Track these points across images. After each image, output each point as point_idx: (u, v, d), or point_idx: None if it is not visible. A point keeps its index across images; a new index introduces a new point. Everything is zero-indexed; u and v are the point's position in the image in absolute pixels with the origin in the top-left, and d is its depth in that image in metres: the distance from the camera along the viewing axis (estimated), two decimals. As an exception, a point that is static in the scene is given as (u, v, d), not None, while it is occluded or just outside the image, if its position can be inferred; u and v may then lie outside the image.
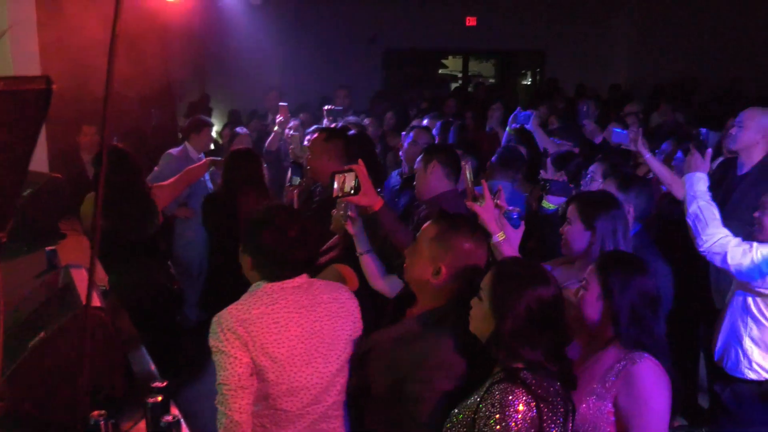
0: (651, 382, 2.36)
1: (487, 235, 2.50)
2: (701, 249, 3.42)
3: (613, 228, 3.03)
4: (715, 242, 3.36)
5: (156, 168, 6.23)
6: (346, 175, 2.84)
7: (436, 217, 2.51)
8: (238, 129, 6.93)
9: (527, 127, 6.03)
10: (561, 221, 3.27)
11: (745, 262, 3.27)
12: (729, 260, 3.32)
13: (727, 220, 3.48)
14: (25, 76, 1.46)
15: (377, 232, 3.24)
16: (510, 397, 2.03)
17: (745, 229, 3.48)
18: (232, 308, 2.42)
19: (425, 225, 2.51)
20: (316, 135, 4.29)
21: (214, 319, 2.40)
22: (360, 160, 2.95)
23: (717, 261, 3.38)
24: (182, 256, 6.42)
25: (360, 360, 2.51)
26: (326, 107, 7.30)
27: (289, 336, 2.42)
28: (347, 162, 3.95)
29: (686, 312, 4.08)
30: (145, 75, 8.78)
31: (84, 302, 2.67)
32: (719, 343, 3.57)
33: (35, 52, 5.28)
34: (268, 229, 2.45)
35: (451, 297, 2.40)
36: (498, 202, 2.98)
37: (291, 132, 6.36)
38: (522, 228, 3.07)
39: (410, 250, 2.53)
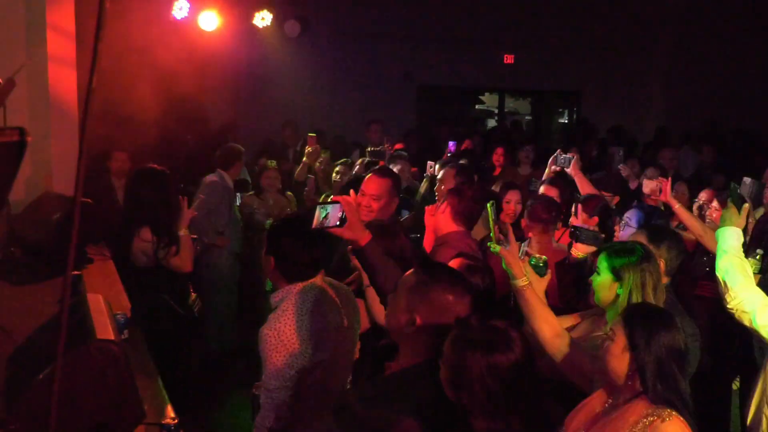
0: None
1: (469, 290, 2.36)
2: (729, 306, 3.27)
3: (642, 281, 2.95)
4: (743, 299, 3.21)
5: (202, 196, 6.30)
6: (330, 207, 2.72)
7: (417, 266, 2.42)
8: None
9: (567, 170, 5.90)
10: (590, 271, 3.20)
11: None
12: (758, 320, 3.17)
13: None
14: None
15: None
16: None
17: None
18: None
19: (407, 273, 2.42)
20: (380, 179, 4.23)
21: None
22: (351, 191, 2.87)
23: (745, 320, 3.23)
24: (212, 284, 6.46)
25: (332, 415, 2.43)
26: (369, 149, 7.36)
27: None
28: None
29: (720, 370, 3.93)
30: (181, 103, 8.92)
31: (98, 334, 2.67)
32: (752, 407, 3.41)
33: (73, 81, 5.35)
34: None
35: (430, 355, 2.28)
36: (527, 249, 2.93)
37: (320, 165, 6.39)
38: (548, 276, 3.01)
39: (391, 297, 2.44)
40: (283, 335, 2.85)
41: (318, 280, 3.00)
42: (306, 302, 2.93)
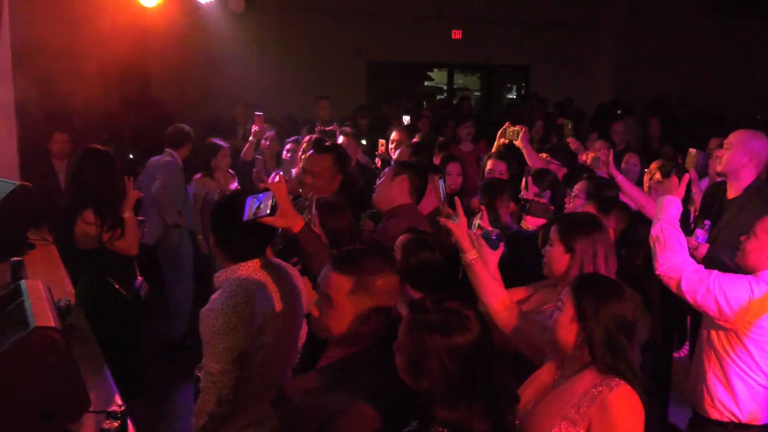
0: (626, 410, 2.32)
1: (396, 270, 2.33)
2: (657, 271, 3.31)
3: (593, 251, 2.96)
4: (670, 266, 3.26)
5: (159, 176, 6.24)
6: (261, 195, 2.66)
7: (340, 266, 2.28)
8: (218, 141, 6.82)
9: (515, 143, 5.92)
10: (543, 243, 3.20)
11: (700, 289, 3.16)
12: (683, 286, 3.20)
13: (715, 244, 3.39)
14: None
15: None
16: None
17: (731, 253, 3.39)
18: None
19: (334, 277, 2.27)
20: (321, 155, 4.19)
21: None
22: (281, 177, 2.81)
23: (672, 286, 3.27)
24: (173, 266, 6.43)
25: (271, 406, 2.38)
26: (318, 127, 7.25)
27: None
28: (343, 179, 3.94)
29: (668, 340, 4.00)
30: (124, 80, 8.69)
31: (37, 321, 2.57)
32: (690, 377, 3.48)
33: (7, 59, 5.14)
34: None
35: (366, 343, 2.24)
36: (479, 222, 2.92)
37: (267, 143, 6.29)
38: (501, 249, 3.01)
39: (322, 302, 2.32)
40: (225, 316, 2.75)
41: (259, 261, 2.90)
42: (248, 284, 2.84)
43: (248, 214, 2.64)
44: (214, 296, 2.83)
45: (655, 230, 3.36)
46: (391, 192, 3.93)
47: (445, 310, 2.09)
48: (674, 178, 3.50)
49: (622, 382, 2.34)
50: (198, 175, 6.59)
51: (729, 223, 3.92)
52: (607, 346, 2.36)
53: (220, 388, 2.76)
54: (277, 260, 3.09)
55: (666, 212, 3.38)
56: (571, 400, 2.38)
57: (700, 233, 4.06)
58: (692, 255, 3.43)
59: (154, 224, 6.24)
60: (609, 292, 2.45)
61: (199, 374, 2.91)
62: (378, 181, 4.13)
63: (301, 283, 3.08)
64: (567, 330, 2.44)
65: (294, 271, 3.09)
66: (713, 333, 3.31)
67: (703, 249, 3.93)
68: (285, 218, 2.66)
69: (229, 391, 2.77)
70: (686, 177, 3.52)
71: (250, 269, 2.87)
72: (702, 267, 3.25)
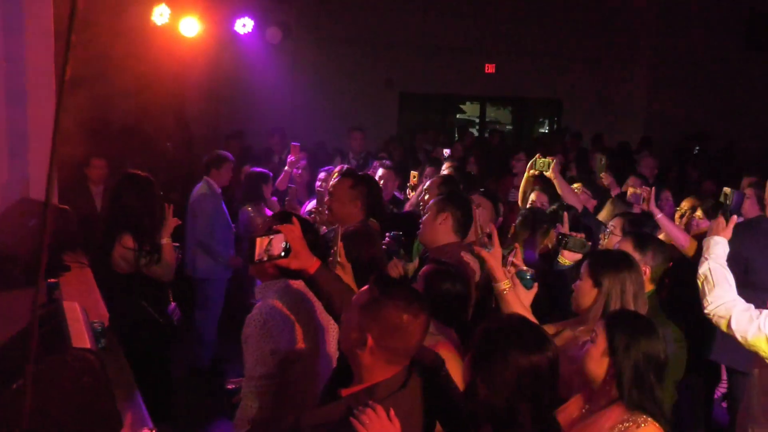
0: None
1: (425, 309, 2.23)
2: (706, 311, 3.31)
3: (621, 287, 2.95)
4: (720, 305, 3.24)
5: (201, 220, 6.32)
6: (272, 237, 2.60)
7: (371, 282, 2.25)
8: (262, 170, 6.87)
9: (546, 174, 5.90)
10: (575, 278, 3.20)
11: (751, 329, 3.13)
12: (733, 325, 3.19)
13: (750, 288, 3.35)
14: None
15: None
16: None
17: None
18: None
19: (361, 290, 2.30)
20: (341, 179, 4.18)
21: None
22: (294, 219, 2.76)
23: (722, 325, 3.25)
24: (205, 294, 6.45)
25: None
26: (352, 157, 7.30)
27: None
28: (369, 209, 3.93)
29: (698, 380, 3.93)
30: (161, 109, 8.85)
31: (74, 342, 2.60)
32: (739, 418, 3.42)
33: (51, 82, 5.26)
34: None
35: (386, 377, 2.19)
36: (514, 260, 2.92)
37: (299, 171, 6.33)
38: (535, 289, 3.00)
39: (344, 315, 2.35)
40: (271, 320, 2.83)
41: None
42: (291, 292, 2.94)
43: (259, 254, 2.60)
44: (258, 305, 2.91)
45: (702, 269, 3.36)
46: (435, 231, 3.90)
47: (527, 326, 2.16)
48: (721, 219, 3.51)
49: (649, 419, 2.33)
50: (248, 207, 6.60)
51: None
52: (636, 382, 2.37)
53: (261, 393, 2.81)
54: None
55: (713, 252, 3.38)
56: None
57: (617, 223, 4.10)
58: None
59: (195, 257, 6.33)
60: (641, 329, 2.45)
61: (230, 387, 2.95)
62: (422, 219, 4.11)
63: None
64: (598, 363, 2.45)
65: None
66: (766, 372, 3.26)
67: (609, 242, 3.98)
68: (299, 260, 2.62)
69: (270, 397, 2.81)
70: (734, 218, 3.51)
71: (295, 283, 2.95)
72: (753, 306, 3.22)
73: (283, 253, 2.60)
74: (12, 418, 2.31)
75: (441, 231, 3.87)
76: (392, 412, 2.09)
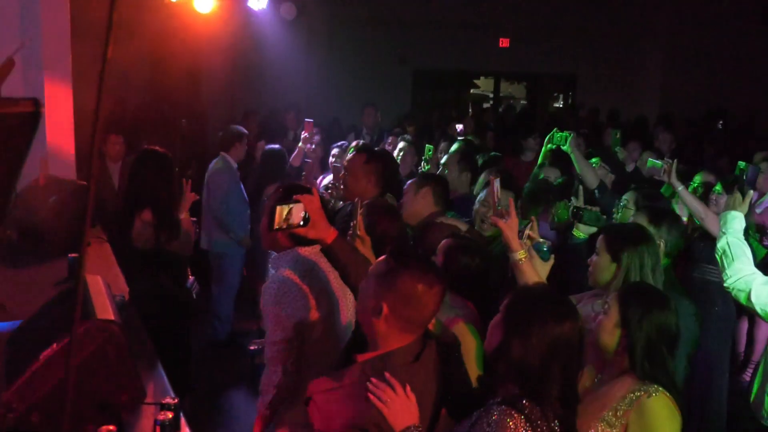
0: (664, 417, 2.36)
1: (441, 280, 2.28)
2: (725, 284, 3.36)
3: (640, 262, 2.96)
4: (740, 278, 3.28)
5: (216, 196, 6.36)
6: (292, 206, 2.64)
7: (388, 253, 2.33)
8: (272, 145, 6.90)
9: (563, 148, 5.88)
10: (589, 252, 3.21)
11: None
12: (753, 298, 3.23)
13: None
14: (11, 97, 1.38)
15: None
16: (509, 421, 2.01)
17: None
18: None
19: (378, 259, 2.36)
20: (355, 155, 4.23)
21: None
22: (314, 189, 2.82)
23: (742, 298, 3.30)
24: (221, 269, 6.51)
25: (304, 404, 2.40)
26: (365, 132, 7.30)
27: None
28: (384, 184, 3.99)
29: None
30: (175, 85, 8.87)
31: (98, 314, 2.66)
32: (757, 387, 3.45)
33: (68, 59, 5.30)
34: None
35: (401, 345, 2.24)
36: (530, 233, 2.93)
37: (312, 146, 6.36)
38: (551, 261, 3.02)
39: (361, 284, 2.40)
40: (285, 286, 2.91)
41: (319, 245, 2.90)
42: (304, 260, 3.01)
43: (279, 222, 2.65)
44: (275, 272, 3.00)
45: (721, 243, 3.40)
46: (416, 205, 4.10)
47: (552, 296, 2.23)
48: (737, 194, 3.53)
49: (660, 389, 2.38)
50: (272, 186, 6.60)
51: None
52: (648, 354, 2.41)
53: (284, 357, 2.90)
54: None
55: (731, 226, 3.41)
56: (609, 404, 2.42)
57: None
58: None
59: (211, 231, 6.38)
60: (655, 302, 2.49)
61: (252, 348, 3.02)
62: (401, 200, 4.23)
63: None
64: (610, 334, 2.49)
65: None
66: None
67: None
68: (316, 230, 2.66)
69: (293, 361, 2.90)
70: (750, 193, 3.53)
71: (308, 251, 3.03)
72: None
73: (302, 222, 2.65)
74: (40, 389, 2.39)
75: (423, 204, 4.10)
76: (408, 388, 2.15)
